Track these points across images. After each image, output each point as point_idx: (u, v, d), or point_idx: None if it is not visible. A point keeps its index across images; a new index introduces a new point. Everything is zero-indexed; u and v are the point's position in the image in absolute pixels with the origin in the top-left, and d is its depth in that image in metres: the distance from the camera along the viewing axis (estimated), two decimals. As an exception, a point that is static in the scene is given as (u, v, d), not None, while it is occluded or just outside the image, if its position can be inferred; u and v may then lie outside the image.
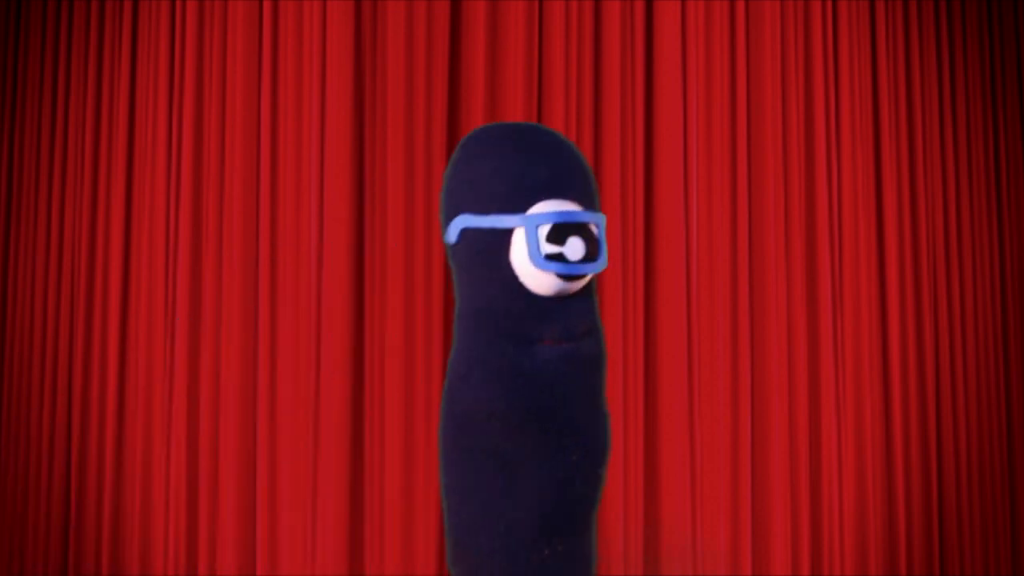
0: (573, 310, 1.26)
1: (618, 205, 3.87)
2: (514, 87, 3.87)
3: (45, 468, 3.81)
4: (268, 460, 3.74)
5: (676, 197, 3.91)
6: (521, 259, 1.23)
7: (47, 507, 3.80)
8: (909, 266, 4.09)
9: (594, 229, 1.26)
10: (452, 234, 1.29)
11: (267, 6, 3.88)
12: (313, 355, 3.75)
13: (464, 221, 1.27)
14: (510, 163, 1.27)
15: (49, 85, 3.97)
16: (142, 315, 3.82)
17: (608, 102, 3.92)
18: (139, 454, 3.77)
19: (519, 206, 1.24)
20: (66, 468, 3.83)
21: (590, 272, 1.25)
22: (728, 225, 3.95)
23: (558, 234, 1.23)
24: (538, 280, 1.24)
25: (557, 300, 1.25)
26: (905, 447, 4.02)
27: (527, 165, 1.26)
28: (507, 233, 1.24)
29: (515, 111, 3.86)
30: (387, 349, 3.75)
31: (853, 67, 4.12)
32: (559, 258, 1.23)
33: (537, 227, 1.23)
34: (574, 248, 1.23)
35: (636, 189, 3.92)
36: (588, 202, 1.28)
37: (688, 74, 3.99)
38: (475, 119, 3.86)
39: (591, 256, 1.25)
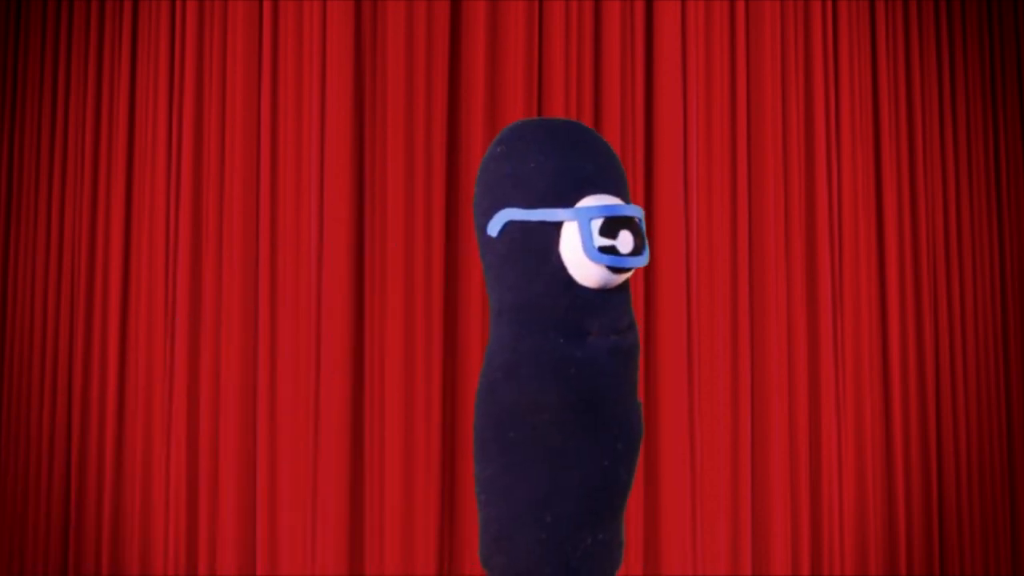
0: (617, 303, 1.29)
1: (618, 205, 3.86)
2: (514, 87, 3.87)
3: (45, 468, 3.81)
4: (268, 460, 3.74)
5: (676, 197, 3.91)
6: (572, 251, 1.25)
7: (47, 507, 3.80)
8: (909, 266, 4.09)
9: (639, 223, 1.28)
10: (494, 228, 1.29)
11: (267, 6, 3.88)
12: (313, 355, 3.75)
13: (509, 215, 1.28)
14: (554, 158, 1.28)
15: (49, 85, 3.97)
16: (142, 315, 3.82)
17: (608, 102, 3.92)
18: (139, 454, 3.78)
19: (567, 199, 1.25)
20: (66, 468, 3.83)
21: (638, 265, 1.27)
22: (728, 225, 3.95)
23: (610, 227, 1.25)
24: (587, 272, 1.26)
25: (602, 293, 1.27)
26: (905, 447, 4.02)
27: (572, 160, 1.28)
28: (556, 226, 1.26)
29: (515, 111, 3.86)
30: (387, 349, 3.75)
31: (853, 67, 4.12)
32: (611, 251, 1.24)
33: (590, 220, 1.24)
34: (625, 241, 1.25)
35: (636, 189, 3.92)
36: (626, 197, 1.31)
37: (688, 74, 3.99)
38: (475, 119, 3.86)
39: (638, 250, 1.27)
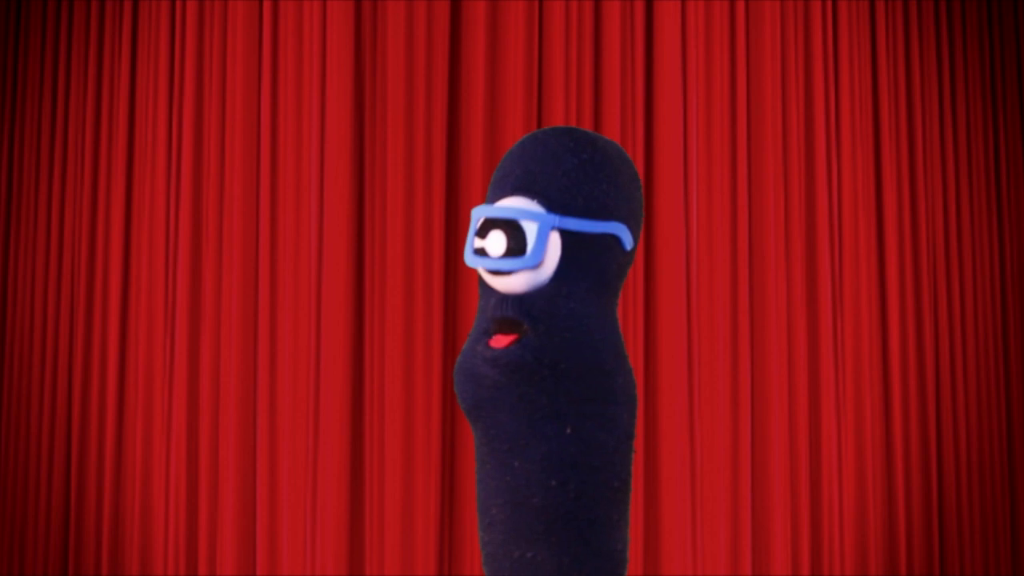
0: (502, 305, 1.25)
1: (618, 205, 3.86)
2: (514, 87, 3.87)
3: (45, 468, 3.81)
4: (268, 460, 3.74)
5: (676, 197, 3.91)
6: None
7: (47, 507, 3.80)
8: (909, 266, 4.09)
9: (530, 226, 1.23)
10: None
11: (267, 6, 3.88)
12: (313, 355, 3.75)
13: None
14: (503, 163, 1.30)
15: (49, 85, 3.97)
16: (142, 315, 3.82)
17: (608, 102, 3.92)
18: (139, 454, 3.78)
19: (488, 203, 1.27)
20: (66, 468, 3.83)
21: (509, 268, 1.22)
22: (728, 225, 3.95)
23: (484, 229, 1.23)
24: (483, 275, 1.27)
25: (496, 295, 1.26)
26: (905, 447, 4.02)
27: (509, 165, 1.28)
28: None
29: (515, 111, 3.86)
30: (387, 349, 3.75)
31: (853, 67, 4.12)
32: (482, 252, 1.23)
33: (474, 222, 1.26)
34: (496, 242, 1.22)
35: (636, 189, 3.92)
36: (558, 201, 1.24)
37: (688, 74, 3.99)
38: (475, 119, 3.86)
39: (512, 252, 1.22)
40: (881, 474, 3.99)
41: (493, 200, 1.26)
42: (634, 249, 1.31)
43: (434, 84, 3.86)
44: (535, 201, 1.24)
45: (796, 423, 3.92)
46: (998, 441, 4.15)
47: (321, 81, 3.83)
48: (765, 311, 3.94)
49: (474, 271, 1.28)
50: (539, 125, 3.91)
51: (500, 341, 1.23)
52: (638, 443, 3.84)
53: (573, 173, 1.26)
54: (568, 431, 1.22)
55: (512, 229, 1.22)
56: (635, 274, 3.89)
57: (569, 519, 1.22)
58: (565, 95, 3.89)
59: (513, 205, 1.24)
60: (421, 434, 3.74)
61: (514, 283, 1.23)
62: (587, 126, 3.92)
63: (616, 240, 1.27)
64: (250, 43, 3.88)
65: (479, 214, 1.25)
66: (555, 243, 1.23)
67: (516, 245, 1.22)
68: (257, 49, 3.89)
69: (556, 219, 1.23)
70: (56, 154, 3.94)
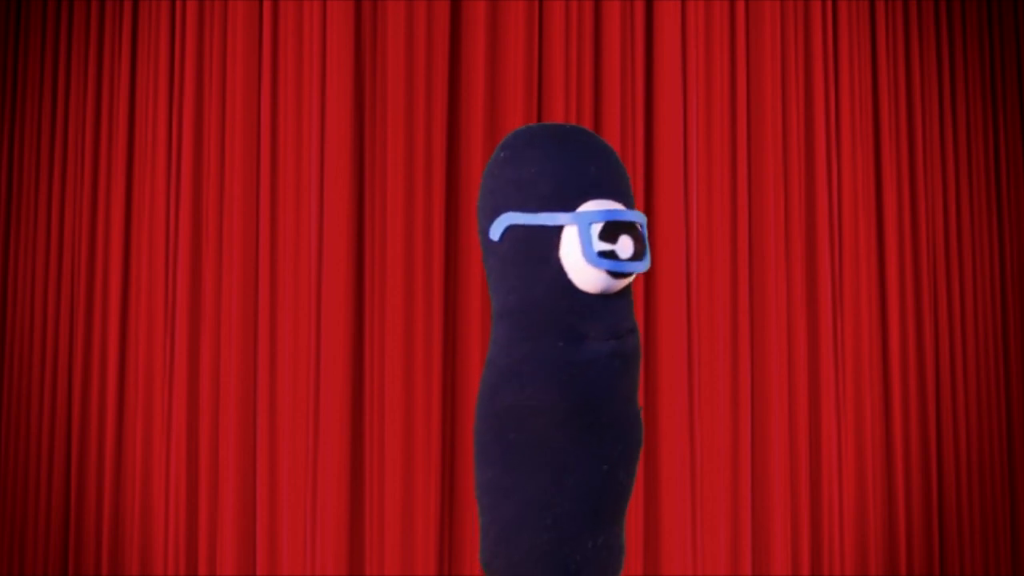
0: (617, 308, 1.30)
1: (618, 205, 3.86)
2: (514, 87, 3.87)
3: (45, 468, 3.81)
4: (268, 460, 3.74)
5: (676, 197, 3.91)
6: (572, 256, 1.26)
7: (47, 507, 3.80)
8: (909, 266, 4.09)
9: (640, 229, 1.29)
10: (496, 232, 1.31)
11: (267, 6, 3.88)
12: (313, 355, 3.75)
13: (510, 219, 1.30)
14: (556, 163, 1.29)
15: (49, 85, 3.97)
16: (142, 315, 3.82)
17: (608, 102, 3.92)
18: (139, 454, 3.78)
19: (568, 204, 1.27)
20: (66, 468, 3.83)
21: (638, 270, 1.28)
22: (728, 225, 3.95)
23: (610, 232, 1.26)
24: (587, 277, 1.27)
25: (602, 298, 1.28)
26: (905, 447, 4.02)
27: (574, 165, 1.29)
28: (557, 230, 1.27)
29: (515, 111, 3.86)
30: (387, 349, 3.75)
31: (853, 67, 4.12)
32: (611, 255, 1.25)
33: (590, 224, 1.25)
34: (625, 246, 1.26)
35: (636, 189, 3.92)
36: (629, 203, 1.31)
37: (688, 74, 3.99)
38: (475, 119, 3.87)
39: (639, 255, 1.27)
40: (881, 474, 3.99)
41: (577, 200, 1.27)
42: None
43: (434, 84, 3.86)
44: (620, 204, 1.30)
45: (796, 423, 3.92)
46: (998, 441, 4.15)
47: (321, 81, 3.83)
48: (765, 311, 3.94)
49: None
50: (539, 125, 3.91)
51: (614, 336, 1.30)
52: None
53: (626, 177, 1.34)
54: (640, 410, 1.34)
55: (637, 233, 1.28)
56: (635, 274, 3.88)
57: (628, 498, 1.31)
58: (565, 95, 3.89)
59: (615, 208, 1.28)
60: (421, 434, 3.74)
61: (621, 284, 1.30)
62: (587, 126, 3.92)
63: None
64: (250, 43, 3.88)
65: (597, 218, 1.26)
66: None
67: (641, 248, 1.28)
68: (257, 49, 3.89)
69: (644, 220, 1.31)
70: (56, 154, 3.94)
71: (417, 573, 3.71)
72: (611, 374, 1.27)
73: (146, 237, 3.85)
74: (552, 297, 1.27)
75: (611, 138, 3.90)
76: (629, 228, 1.27)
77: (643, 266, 1.28)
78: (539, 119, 3.91)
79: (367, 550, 3.74)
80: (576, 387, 1.26)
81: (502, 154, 1.34)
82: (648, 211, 3.95)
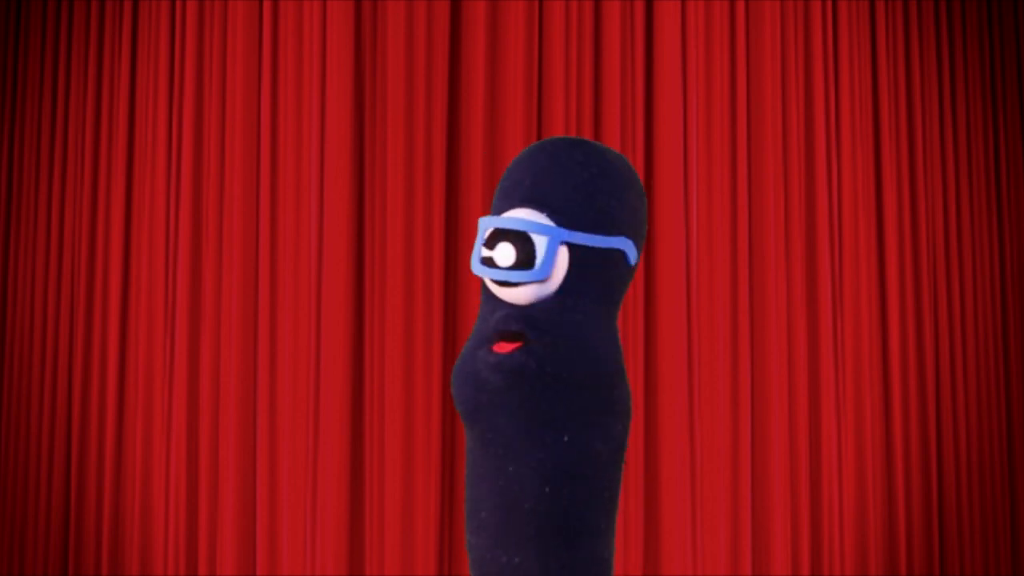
0: (506, 314, 1.26)
1: (618, 205, 3.86)
2: (514, 87, 3.87)
3: (45, 468, 3.81)
4: (268, 460, 3.74)
5: (676, 197, 3.91)
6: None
7: (47, 507, 3.80)
8: (909, 266, 4.09)
9: (537, 238, 1.24)
10: None
11: (267, 6, 3.88)
12: (313, 355, 3.75)
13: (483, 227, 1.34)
14: (508, 173, 1.32)
15: (49, 85, 3.97)
16: (142, 315, 3.82)
17: (608, 102, 3.92)
18: (139, 454, 3.78)
19: (497, 212, 1.29)
20: (66, 468, 3.83)
21: (516, 279, 1.24)
22: (728, 225, 3.95)
23: (493, 240, 1.25)
24: (488, 284, 1.28)
25: (501, 303, 1.27)
26: (905, 447, 4.02)
27: (518, 175, 1.30)
28: None
29: (515, 111, 3.86)
30: (387, 349, 3.75)
31: (853, 67, 4.12)
32: (489, 262, 1.25)
33: (482, 232, 1.27)
34: (504, 254, 1.24)
35: (636, 189, 3.91)
36: (567, 215, 1.26)
37: (688, 74, 3.99)
38: (475, 119, 3.86)
39: (521, 264, 1.24)
40: (881, 474, 3.99)
41: (501, 209, 1.28)
42: (637, 263, 1.34)
43: (434, 84, 3.86)
44: (544, 214, 1.25)
45: (796, 423, 3.92)
46: (998, 441, 4.15)
47: (321, 81, 3.83)
48: (765, 311, 3.94)
49: (475, 274, 1.29)
50: (539, 125, 3.91)
51: (503, 347, 1.25)
52: (638, 444, 3.84)
53: (583, 187, 1.27)
54: (565, 439, 1.23)
55: (522, 241, 1.24)
56: (635, 274, 3.88)
57: (559, 526, 1.23)
58: (565, 95, 3.89)
59: (523, 217, 1.25)
60: (421, 434, 3.74)
61: (521, 294, 1.25)
62: (587, 126, 3.92)
63: (622, 255, 1.30)
64: (250, 43, 3.88)
65: (487, 224, 1.26)
66: (563, 257, 1.25)
67: (525, 257, 1.23)
68: (257, 49, 3.89)
69: (565, 233, 1.24)
70: (56, 154, 3.94)
71: (417, 573, 3.71)
72: (494, 387, 1.24)
73: (146, 237, 3.85)
74: (483, 301, 1.31)
75: (611, 138, 3.90)
76: (515, 236, 1.24)
77: (526, 275, 1.23)
78: (539, 119, 3.91)
79: (367, 550, 3.74)
80: (457, 395, 1.27)
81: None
82: (649, 211, 3.94)
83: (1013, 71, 4.33)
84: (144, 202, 3.87)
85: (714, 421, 3.87)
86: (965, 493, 4.07)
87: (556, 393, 1.23)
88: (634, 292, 3.88)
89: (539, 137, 3.90)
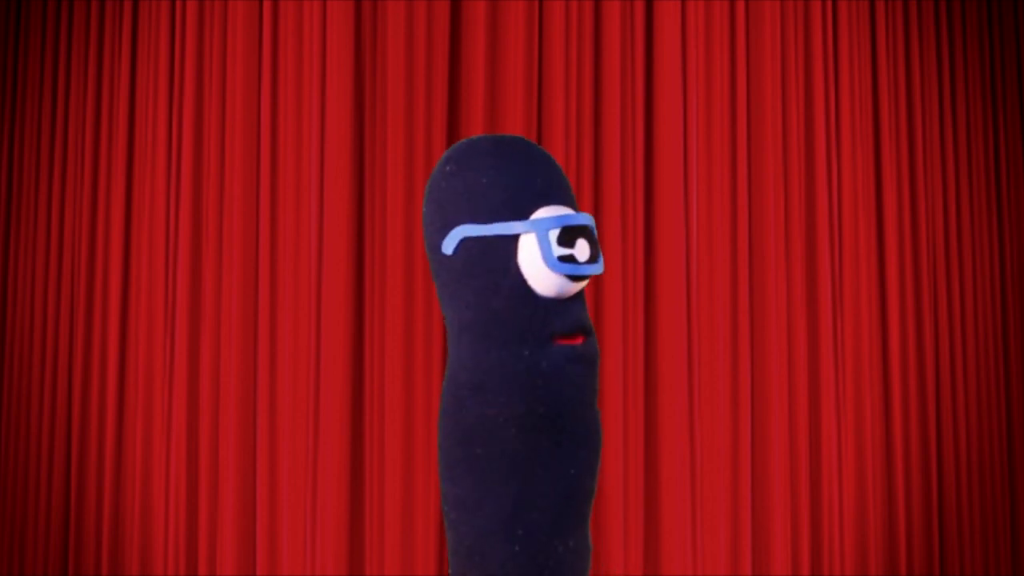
0: (576, 310, 1.31)
1: (618, 205, 3.87)
2: (514, 87, 3.87)
3: (45, 468, 3.81)
4: (268, 460, 3.74)
5: (676, 197, 3.91)
6: (531, 263, 1.27)
7: (47, 507, 3.80)
8: (909, 266, 4.09)
9: (592, 232, 1.31)
10: (449, 246, 1.31)
11: (267, 6, 3.88)
12: (313, 355, 3.75)
13: (463, 231, 1.30)
14: (504, 172, 1.31)
15: (49, 85, 3.97)
16: (142, 315, 3.82)
17: (608, 102, 3.92)
18: (139, 454, 3.78)
19: (522, 212, 1.28)
20: (66, 468, 3.83)
21: (595, 272, 1.30)
22: (728, 225, 3.95)
23: (567, 237, 1.27)
24: (547, 283, 1.28)
25: (560, 302, 1.30)
26: (905, 447, 4.02)
27: (521, 174, 1.30)
28: (513, 239, 1.28)
29: (515, 111, 3.86)
30: (387, 349, 3.75)
31: (853, 67, 4.12)
32: (570, 259, 1.27)
33: (548, 231, 1.27)
34: (582, 249, 1.28)
35: (636, 189, 3.92)
36: (575, 207, 1.35)
37: (688, 74, 3.99)
38: (475, 119, 3.87)
39: (594, 257, 1.30)
40: (881, 474, 3.99)
41: (530, 208, 1.29)
42: None
43: (434, 84, 3.86)
44: (569, 208, 1.33)
45: (796, 423, 3.92)
46: (998, 441, 4.15)
47: (321, 81, 3.83)
48: (765, 311, 3.94)
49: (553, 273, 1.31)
50: (539, 125, 3.91)
51: (576, 340, 1.31)
52: (638, 443, 3.85)
53: (568, 182, 1.37)
54: (599, 413, 1.35)
55: (591, 236, 1.30)
56: (635, 274, 3.89)
57: (593, 500, 1.33)
58: (565, 95, 3.89)
59: (566, 213, 1.31)
60: (421, 434, 3.74)
61: (577, 287, 1.31)
62: (587, 126, 3.93)
63: None
64: (250, 43, 3.88)
65: (553, 224, 1.27)
66: None
67: (596, 251, 1.30)
68: (257, 49, 3.89)
69: (594, 223, 1.34)
70: (56, 154, 3.94)
71: (417, 573, 3.71)
72: (574, 378, 1.29)
73: (146, 237, 3.85)
74: (513, 306, 1.28)
75: (611, 138, 3.90)
76: (583, 231, 1.29)
77: (599, 268, 1.30)
78: (539, 119, 3.91)
79: (367, 550, 3.74)
80: (541, 395, 1.27)
81: (447, 167, 1.34)
82: (648, 211, 3.96)
83: (1013, 71, 4.34)
84: (144, 202, 3.87)
85: (714, 421, 3.87)
86: (965, 493, 4.07)
87: (598, 373, 1.36)
88: (634, 292, 3.88)
89: (539, 137, 3.90)
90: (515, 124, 3.85)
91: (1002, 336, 4.22)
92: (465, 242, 1.30)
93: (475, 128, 3.86)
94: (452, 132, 3.90)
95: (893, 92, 4.16)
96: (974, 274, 4.20)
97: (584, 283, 1.32)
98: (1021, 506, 4.17)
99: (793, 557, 3.88)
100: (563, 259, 1.26)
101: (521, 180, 1.30)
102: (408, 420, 3.74)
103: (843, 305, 4.02)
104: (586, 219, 1.30)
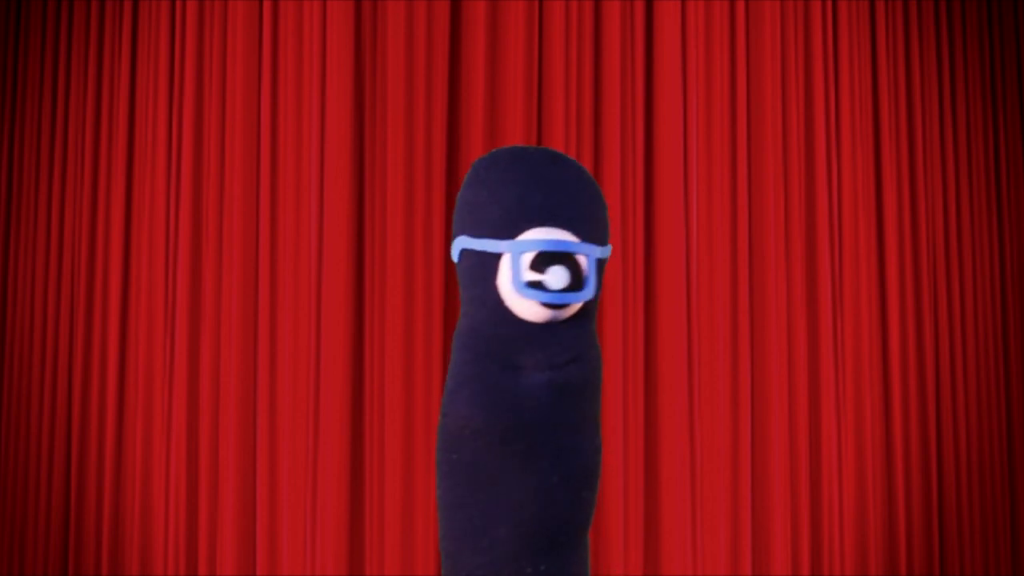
0: (561, 338, 1.27)
1: (618, 206, 3.87)
2: (514, 87, 3.87)
3: (45, 468, 3.81)
4: (268, 460, 3.74)
5: (676, 198, 3.91)
6: (504, 284, 1.25)
7: (47, 507, 3.80)
8: (909, 266, 4.09)
9: (582, 259, 1.26)
10: (455, 253, 1.32)
11: (267, 6, 3.88)
12: (313, 355, 3.75)
13: (462, 242, 1.30)
14: (506, 188, 1.28)
15: (49, 85, 3.97)
16: (142, 315, 3.82)
17: (608, 102, 3.92)
18: (139, 454, 3.78)
19: (509, 232, 1.26)
20: (66, 468, 3.83)
21: (571, 301, 1.25)
22: (728, 225, 3.95)
23: (541, 262, 1.24)
24: (522, 306, 1.26)
25: (544, 327, 1.27)
26: (905, 447, 4.02)
27: (523, 191, 1.28)
28: (495, 258, 1.26)
29: (515, 112, 3.86)
30: (387, 349, 3.75)
31: (853, 67, 4.12)
32: (539, 286, 1.24)
33: (521, 254, 1.24)
34: (557, 277, 1.24)
35: (636, 189, 3.92)
36: (587, 231, 1.28)
37: (688, 74, 3.99)
38: (475, 120, 3.87)
39: (574, 286, 1.25)
40: (881, 474, 3.99)
41: (519, 227, 1.27)
42: None
43: (434, 84, 3.86)
44: (569, 232, 1.27)
45: (796, 423, 3.92)
46: (998, 441, 4.15)
47: (321, 81, 3.83)
48: (765, 311, 3.94)
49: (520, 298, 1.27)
50: (539, 125, 3.91)
51: (552, 367, 1.28)
52: (638, 443, 3.85)
53: (589, 204, 1.30)
54: (597, 443, 1.30)
55: (572, 263, 1.25)
56: (635, 274, 3.89)
57: (586, 527, 1.29)
58: (565, 95, 3.89)
59: (560, 238, 1.26)
60: (421, 434, 3.74)
61: (564, 313, 1.27)
62: (587, 126, 3.93)
63: (606, 263, 1.34)
64: (250, 43, 3.89)
65: (528, 247, 1.25)
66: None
67: (576, 279, 1.25)
68: (257, 49, 3.89)
69: (597, 250, 1.28)
70: (56, 154, 3.94)
71: (417, 573, 3.71)
72: (546, 403, 1.25)
73: (146, 237, 3.85)
74: (492, 324, 1.27)
75: (611, 138, 3.90)
76: (563, 258, 1.25)
77: (578, 297, 1.25)
78: (539, 119, 3.91)
79: (367, 550, 3.74)
80: (505, 413, 1.25)
81: (470, 173, 1.33)
82: (648, 211, 3.96)
83: (1013, 71, 4.34)
84: (144, 202, 3.87)
85: (714, 421, 3.87)
86: (965, 493, 4.07)
87: (590, 399, 1.29)
88: (634, 291, 3.88)
89: (539, 137, 3.90)
90: (515, 124, 3.85)
91: (1002, 336, 4.22)
92: (464, 253, 1.30)
93: (475, 128, 3.86)
94: (452, 132, 3.90)
95: (893, 92, 4.16)
96: (974, 274, 4.20)
97: (569, 310, 1.27)
98: (1021, 506, 4.17)
99: (793, 557, 3.88)
100: (532, 284, 1.24)
101: (520, 198, 1.27)
102: (408, 420, 3.74)
103: (843, 305, 4.02)
104: (569, 246, 1.25)
